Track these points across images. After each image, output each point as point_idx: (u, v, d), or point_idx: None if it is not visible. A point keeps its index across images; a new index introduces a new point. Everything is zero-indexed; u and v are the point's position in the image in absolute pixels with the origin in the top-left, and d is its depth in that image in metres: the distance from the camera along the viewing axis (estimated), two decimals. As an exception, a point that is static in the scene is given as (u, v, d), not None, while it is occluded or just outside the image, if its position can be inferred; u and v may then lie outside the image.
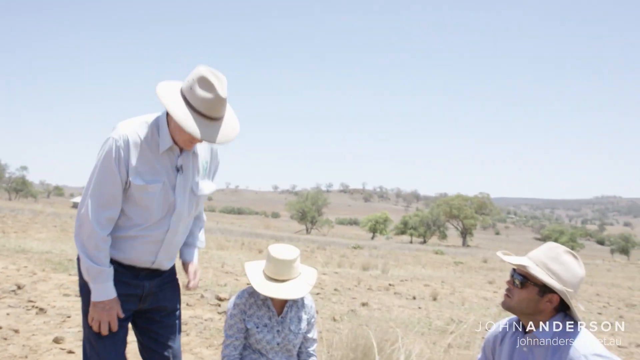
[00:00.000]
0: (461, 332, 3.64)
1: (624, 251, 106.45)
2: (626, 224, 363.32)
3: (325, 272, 15.80)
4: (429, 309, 10.03)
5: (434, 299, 11.67)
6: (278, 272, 2.95)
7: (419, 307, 10.06)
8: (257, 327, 3.14)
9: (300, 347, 3.35)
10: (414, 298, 11.48)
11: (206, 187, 2.73)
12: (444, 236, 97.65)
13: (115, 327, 2.49)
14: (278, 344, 3.19)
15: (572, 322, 2.32)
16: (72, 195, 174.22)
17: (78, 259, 2.53)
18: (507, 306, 2.42)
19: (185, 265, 2.87)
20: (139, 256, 2.58)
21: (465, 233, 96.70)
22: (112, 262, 2.51)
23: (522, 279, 2.34)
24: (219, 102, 2.38)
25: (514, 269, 2.42)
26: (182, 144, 2.51)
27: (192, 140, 2.49)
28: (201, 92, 2.35)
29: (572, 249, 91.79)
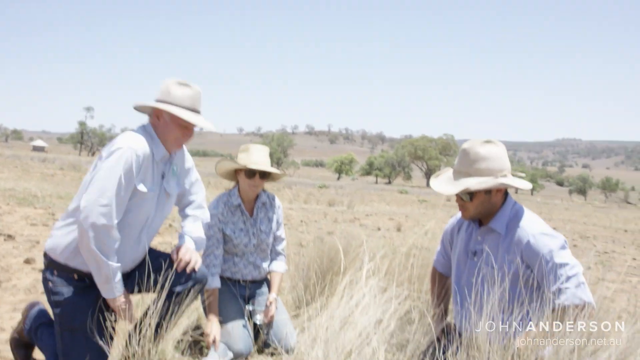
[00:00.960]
0: (424, 255, 3.84)
1: (582, 192, 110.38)
2: (584, 166, 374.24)
3: (292, 207, 16.11)
4: (393, 238, 10.37)
5: (398, 230, 12.01)
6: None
7: (384, 237, 10.38)
8: (234, 233, 3.32)
9: (273, 248, 3.54)
10: (379, 229, 11.78)
11: (173, 189, 2.80)
12: (408, 177, 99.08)
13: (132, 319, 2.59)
14: (254, 245, 3.37)
15: (518, 207, 2.51)
16: (31, 139, 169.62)
17: (51, 273, 2.57)
18: (468, 217, 2.57)
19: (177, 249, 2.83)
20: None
21: (429, 174, 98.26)
22: (80, 272, 2.56)
23: (468, 194, 2.49)
24: (199, 95, 2.69)
25: None
26: (173, 143, 2.66)
27: (185, 134, 2.65)
28: (180, 90, 2.63)
29: (533, 189, 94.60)
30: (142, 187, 2.54)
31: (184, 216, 2.95)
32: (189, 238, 2.83)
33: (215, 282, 3.22)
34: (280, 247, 3.57)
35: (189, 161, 2.95)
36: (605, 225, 21.93)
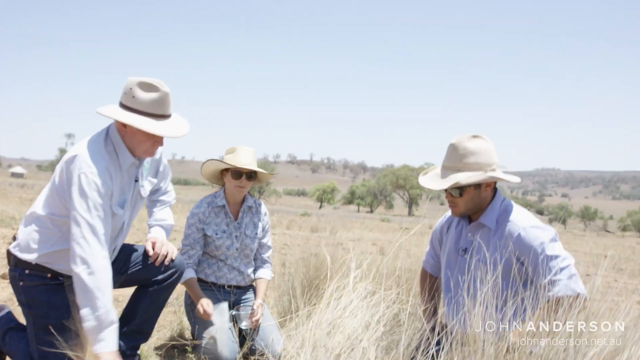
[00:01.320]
0: (411, 260, 3.82)
1: (562, 220, 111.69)
2: (564, 195, 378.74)
3: (275, 232, 16.01)
4: (377, 260, 10.32)
5: (382, 254, 11.97)
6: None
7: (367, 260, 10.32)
8: (217, 234, 3.24)
9: (255, 254, 3.47)
10: (362, 253, 11.73)
11: (148, 190, 2.74)
12: (390, 206, 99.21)
13: None
14: (237, 249, 3.30)
15: (507, 203, 2.50)
16: (10, 166, 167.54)
17: (22, 273, 2.45)
18: (458, 214, 2.56)
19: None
20: None
21: (411, 203, 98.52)
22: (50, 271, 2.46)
23: (458, 188, 2.48)
24: (167, 97, 2.44)
25: None
26: (145, 153, 2.52)
27: (154, 145, 2.49)
28: (146, 95, 2.40)
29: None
30: (117, 210, 2.45)
31: (152, 202, 2.86)
32: (159, 228, 2.76)
33: (189, 273, 3.17)
34: (266, 255, 3.52)
35: (158, 152, 2.79)
36: (585, 252, 22.09)
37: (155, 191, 2.89)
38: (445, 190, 2.51)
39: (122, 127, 2.47)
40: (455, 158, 2.47)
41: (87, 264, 2.23)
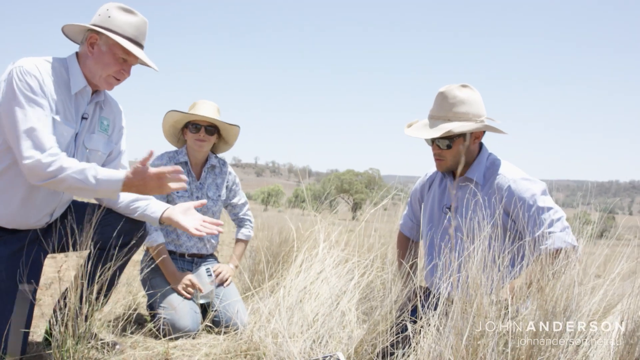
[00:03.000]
0: (382, 228, 3.68)
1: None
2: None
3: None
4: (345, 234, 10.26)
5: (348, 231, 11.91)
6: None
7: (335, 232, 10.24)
8: (177, 192, 3.00)
9: (235, 217, 3.31)
10: (329, 225, 11.65)
11: (100, 144, 2.37)
12: (334, 210, 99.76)
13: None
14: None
15: (494, 157, 2.40)
16: None
17: None
18: (445, 168, 2.42)
19: None
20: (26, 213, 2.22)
21: (355, 207, 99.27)
22: None
23: (448, 140, 2.33)
24: (145, 25, 2.27)
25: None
26: (105, 81, 2.25)
27: (120, 72, 2.25)
28: (125, 16, 2.21)
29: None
30: (59, 117, 2.13)
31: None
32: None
33: (159, 237, 2.90)
34: (242, 213, 3.30)
35: (124, 120, 2.53)
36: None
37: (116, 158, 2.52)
38: (433, 142, 2.37)
39: (88, 49, 2.21)
40: (445, 107, 2.33)
41: (40, 148, 1.97)
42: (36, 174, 1.98)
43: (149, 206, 2.38)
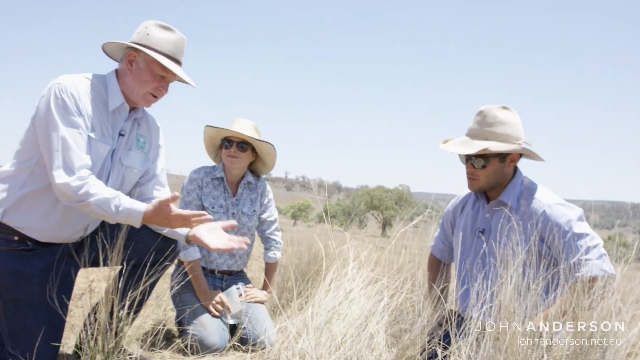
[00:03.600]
0: (412, 251, 3.64)
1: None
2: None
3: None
4: (375, 253, 10.18)
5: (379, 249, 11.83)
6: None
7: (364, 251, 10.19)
8: (213, 207, 3.03)
9: (262, 234, 3.29)
10: (358, 244, 11.59)
11: (137, 161, 2.39)
12: (363, 226, 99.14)
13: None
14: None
15: (529, 181, 2.35)
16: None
17: None
18: (477, 188, 2.38)
19: None
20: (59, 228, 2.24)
21: (385, 224, 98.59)
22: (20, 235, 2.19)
23: (483, 158, 2.30)
24: (183, 42, 2.29)
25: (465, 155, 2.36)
26: (144, 98, 2.28)
27: (158, 89, 2.28)
28: (163, 34, 2.24)
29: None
30: (95, 135, 2.15)
31: (149, 193, 2.49)
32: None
33: (195, 253, 2.91)
34: (269, 231, 3.28)
35: (162, 138, 2.54)
36: None
37: (152, 179, 2.54)
38: (467, 160, 2.34)
39: (126, 67, 2.24)
40: (484, 126, 2.30)
41: (70, 169, 2.01)
42: (65, 195, 2.03)
43: None
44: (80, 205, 2.03)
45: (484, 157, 2.30)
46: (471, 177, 2.38)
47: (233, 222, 2.33)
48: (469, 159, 2.35)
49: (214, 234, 2.30)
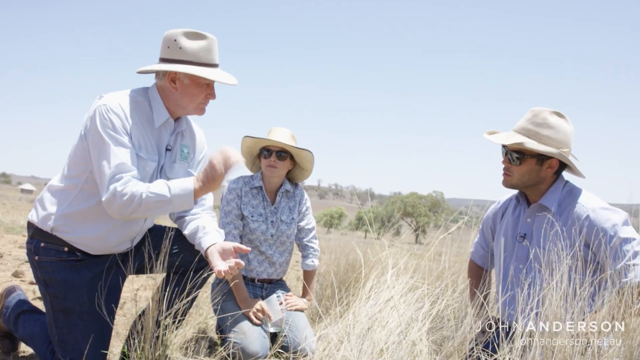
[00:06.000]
0: (452, 258, 3.62)
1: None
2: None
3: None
4: (413, 260, 10.17)
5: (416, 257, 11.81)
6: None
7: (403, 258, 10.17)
8: (252, 216, 3.07)
9: (300, 242, 3.31)
10: (397, 252, 11.58)
11: (180, 172, 2.41)
12: (397, 233, 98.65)
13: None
14: (272, 235, 3.11)
15: (571, 186, 2.31)
16: (19, 183, 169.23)
17: (37, 251, 2.24)
18: (509, 184, 2.37)
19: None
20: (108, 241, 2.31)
21: (419, 231, 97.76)
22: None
23: (519, 154, 2.29)
24: (214, 44, 2.26)
25: (505, 147, 2.36)
26: (197, 109, 2.31)
27: (207, 97, 2.30)
28: (195, 43, 2.22)
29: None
30: (142, 153, 2.19)
31: (195, 214, 2.47)
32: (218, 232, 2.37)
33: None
34: (307, 239, 3.30)
35: (205, 148, 2.58)
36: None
37: (200, 204, 2.55)
38: (506, 154, 2.33)
39: (168, 86, 2.26)
40: (531, 124, 2.29)
41: (119, 179, 2.05)
42: (115, 206, 2.05)
43: (203, 239, 2.31)
44: (133, 207, 2.05)
45: (521, 153, 2.28)
46: (506, 173, 2.38)
47: (247, 249, 2.24)
48: (507, 153, 2.34)
49: (224, 257, 2.22)
